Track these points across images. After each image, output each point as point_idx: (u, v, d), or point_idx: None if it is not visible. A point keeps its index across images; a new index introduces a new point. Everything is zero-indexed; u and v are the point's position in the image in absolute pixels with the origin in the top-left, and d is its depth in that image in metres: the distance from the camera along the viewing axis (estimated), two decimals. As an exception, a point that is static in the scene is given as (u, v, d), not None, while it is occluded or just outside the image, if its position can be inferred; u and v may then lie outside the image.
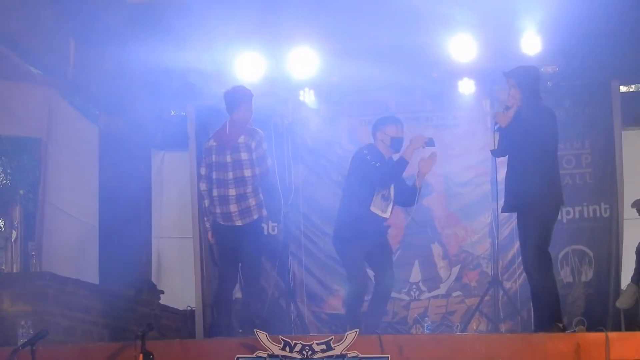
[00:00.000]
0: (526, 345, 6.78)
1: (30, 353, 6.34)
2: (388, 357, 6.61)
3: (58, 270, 8.30)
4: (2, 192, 15.07)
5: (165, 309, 10.06)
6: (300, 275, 10.11)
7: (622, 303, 8.88)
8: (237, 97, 8.02)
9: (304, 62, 9.41)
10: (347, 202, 8.07)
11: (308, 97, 10.14)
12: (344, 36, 9.14)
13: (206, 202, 8.04)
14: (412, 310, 9.92)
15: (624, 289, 9.10)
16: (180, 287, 10.71)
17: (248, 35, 8.97)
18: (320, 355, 6.54)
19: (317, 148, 10.32)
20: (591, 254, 9.86)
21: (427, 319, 9.29)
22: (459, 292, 9.95)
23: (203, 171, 8.10)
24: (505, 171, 7.52)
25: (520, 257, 7.87)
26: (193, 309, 10.20)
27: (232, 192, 7.79)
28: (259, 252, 8.05)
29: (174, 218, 11.23)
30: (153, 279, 10.30)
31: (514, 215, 7.75)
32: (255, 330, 6.71)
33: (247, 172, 7.79)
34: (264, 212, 7.96)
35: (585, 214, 9.91)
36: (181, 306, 10.47)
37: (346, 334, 6.61)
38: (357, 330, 6.69)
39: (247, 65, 9.40)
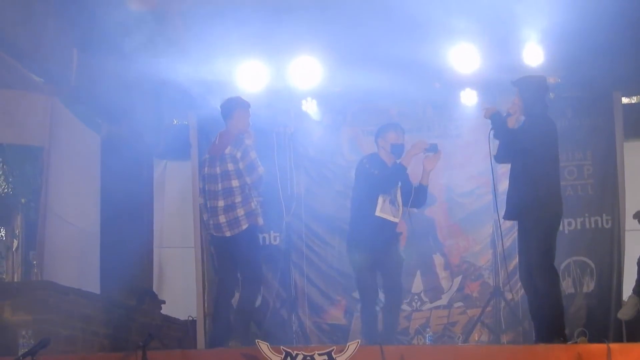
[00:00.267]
0: (528, 356, 6.78)
1: (31, 362, 6.33)
2: (390, 367, 6.60)
3: (59, 280, 8.28)
4: (3, 200, 15.05)
5: (167, 318, 10.04)
6: (302, 285, 10.10)
7: (624, 314, 8.86)
8: (230, 107, 8.04)
9: (307, 72, 9.44)
10: (355, 211, 8.19)
11: (310, 107, 10.16)
12: (347, 46, 9.16)
13: (205, 215, 8.09)
14: (413, 321, 9.91)
15: (626, 300, 9.08)
16: (181, 296, 10.69)
17: (250, 45, 9.00)
18: (321, 365, 6.53)
19: (319, 158, 10.32)
20: (593, 265, 9.86)
21: (428, 329, 9.28)
22: (460, 303, 9.94)
23: (200, 184, 8.18)
24: (507, 181, 7.56)
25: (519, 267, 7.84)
26: (194, 319, 10.18)
27: (220, 203, 7.81)
28: (253, 262, 7.94)
29: (175, 227, 11.23)
30: (154, 289, 10.29)
31: (516, 225, 7.75)
32: (256, 340, 6.70)
33: (235, 183, 7.79)
34: (259, 220, 7.90)
35: (587, 225, 9.91)
36: (182, 316, 10.45)
37: (348, 344, 6.60)
38: (359, 340, 6.69)
39: (249, 75, 9.44)
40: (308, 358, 6.54)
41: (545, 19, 8.46)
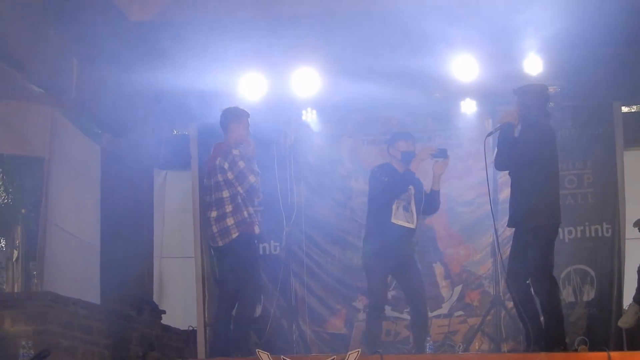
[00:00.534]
0: (528, 365, 6.78)
1: (31, 373, 6.33)
2: (390, 376, 6.60)
3: (59, 290, 8.27)
4: (3, 211, 15.07)
5: (167, 328, 10.03)
6: (302, 295, 10.09)
7: (624, 323, 8.86)
8: (226, 119, 8.07)
9: (307, 82, 9.44)
10: (370, 218, 8.30)
11: (311, 117, 10.17)
12: (347, 56, 9.17)
13: (206, 226, 8.15)
14: (414, 330, 9.89)
15: (626, 308, 9.09)
16: (181, 307, 10.68)
17: (251, 55, 9.00)
18: (322, 374, 6.54)
19: (319, 167, 10.33)
20: (593, 273, 9.85)
21: (429, 338, 9.26)
22: (461, 312, 9.93)
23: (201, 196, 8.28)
24: (508, 190, 7.59)
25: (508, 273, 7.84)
26: (195, 329, 10.17)
27: (213, 213, 7.87)
28: (249, 271, 7.95)
29: (175, 238, 11.21)
30: (154, 299, 10.28)
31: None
32: (257, 350, 6.70)
33: (225, 193, 7.83)
34: (255, 229, 7.90)
35: (587, 234, 9.90)
36: (183, 326, 10.43)
37: (348, 353, 6.60)
38: (359, 350, 6.69)
39: (249, 86, 9.45)
40: (308, 367, 6.55)
41: (545, 29, 8.46)
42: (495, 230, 8.36)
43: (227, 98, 9.09)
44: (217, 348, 7.90)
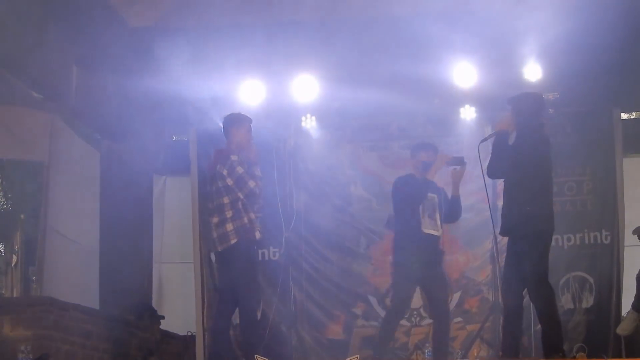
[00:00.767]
0: (527, 371, 6.78)
1: (30, 378, 6.34)
2: (389, 383, 6.61)
3: (58, 295, 8.29)
4: (3, 216, 15.09)
5: (166, 334, 10.04)
6: (302, 301, 10.08)
7: (623, 330, 8.85)
8: (227, 124, 8.06)
9: (306, 89, 9.46)
10: (398, 229, 8.42)
11: (310, 123, 10.17)
12: (346, 63, 9.18)
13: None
14: (412, 337, 9.89)
15: (625, 315, 9.08)
16: (180, 312, 10.68)
17: (250, 62, 9.02)
18: (320, 381, 6.54)
19: (319, 173, 10.33)
20: (592, 280, 9.84)
21: (427, 344, 9.27)
22: (459, 318, 9.92)
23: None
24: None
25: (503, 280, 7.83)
26: (194, 334, 10.17)
27: (214, 219, 7.85)
28: (247, 277, 7.94)
29: (174, 243, 11.23)
30: (154, 304, 10.29)
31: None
32: (256, 356, 6.69)
33: (225, 199, 7.81)
34: (256, 235, 7.89)
35: (586, 241, 9.89)
36: (182, 331, 10.45)
37: (347, 359, 6.60)
38: (357, 356, 6.69)
39: (249, 92, 9.45)
40: (307, 373, 6.55)
41: (544, 35, 8.48)
42: (495, 237, 8.36)
43: (227, 104, 9.09)
44: (216, 354, 7.89)
